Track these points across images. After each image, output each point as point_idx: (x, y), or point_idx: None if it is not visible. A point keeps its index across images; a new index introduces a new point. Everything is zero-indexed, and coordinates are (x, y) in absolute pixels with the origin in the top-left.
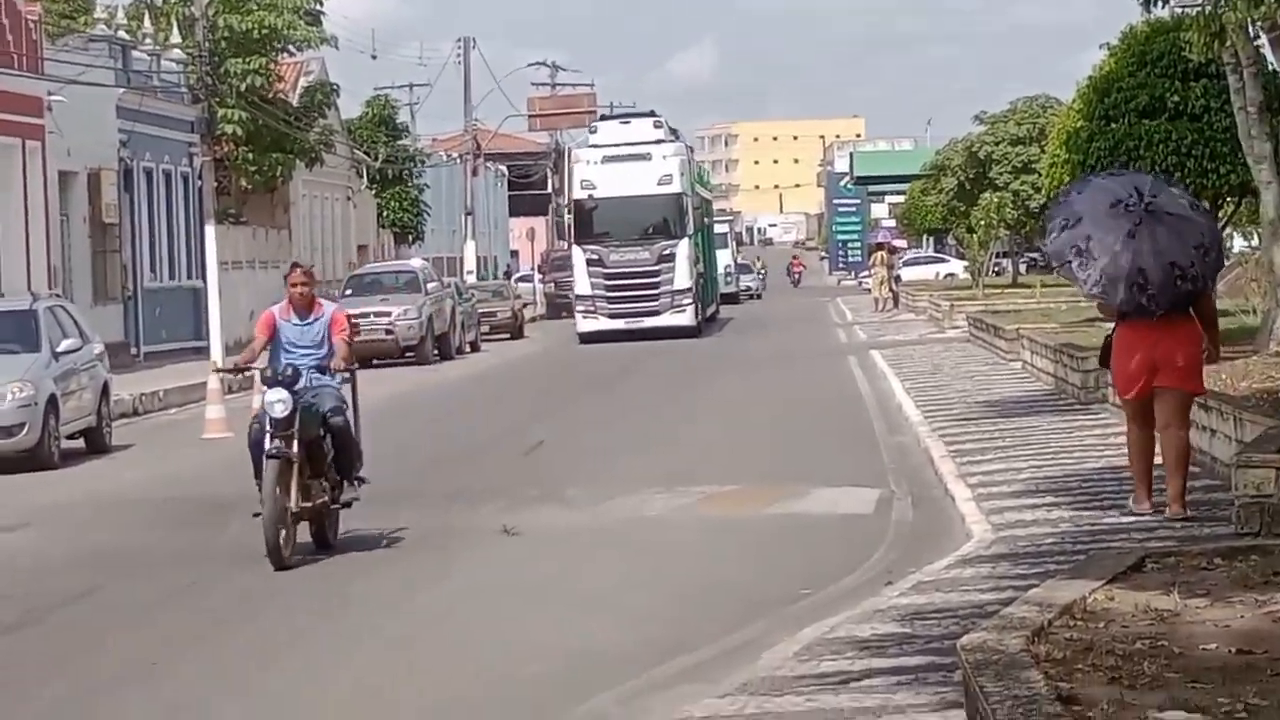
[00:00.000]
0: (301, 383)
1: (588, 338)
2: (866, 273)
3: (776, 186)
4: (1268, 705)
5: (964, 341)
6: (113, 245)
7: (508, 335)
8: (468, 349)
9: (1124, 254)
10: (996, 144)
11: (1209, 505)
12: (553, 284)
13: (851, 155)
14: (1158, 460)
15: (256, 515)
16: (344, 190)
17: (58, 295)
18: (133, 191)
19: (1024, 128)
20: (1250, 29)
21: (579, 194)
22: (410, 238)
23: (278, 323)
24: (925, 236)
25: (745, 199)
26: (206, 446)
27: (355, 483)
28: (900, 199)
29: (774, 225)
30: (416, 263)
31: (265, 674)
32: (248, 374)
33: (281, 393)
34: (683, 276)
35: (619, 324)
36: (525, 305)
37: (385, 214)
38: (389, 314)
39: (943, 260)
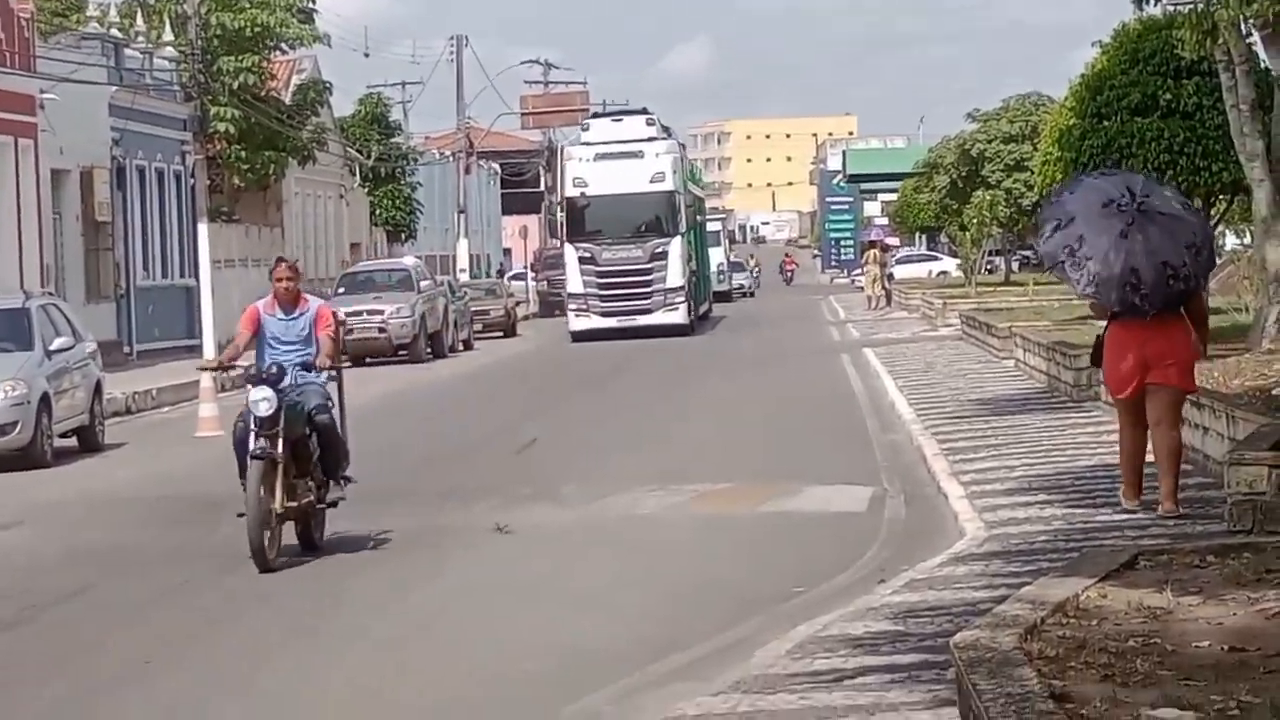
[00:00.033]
0: (286, 381)
1: (580, 336)
2: (859, 271)
3: (769, 184)
4: (1260, 703)
5: (957, 339)
6: (105, 243)
7: (501, 333)
8: (461, 347)
9: (1117, 254)
10: (989, 142)
11: (1202, 503)
12: (546, 282)
13: (844, 153)
14: (1149, 458)
15: (241, 515)
16: (337, 188)
17: (50, 293)
18: (125, 189)
19: (1016, 125)
20: (1242, 26)
21: (571, 192)
22: (403, 236)
23: (262, 318)
24: (918, 234)
25: (738, 197)
26: (199, 445)
27: (341, 482)
28: (893, 197)
29: (767, 223)
30: (409, 261)
31: (260, 673)
32: (232, 372)
33: (266, 391)
34: (675, 274)
35: (611, 322)
36: (518, 303)
37: (378, 212)
38: (382, 312)
39: (935, 258)
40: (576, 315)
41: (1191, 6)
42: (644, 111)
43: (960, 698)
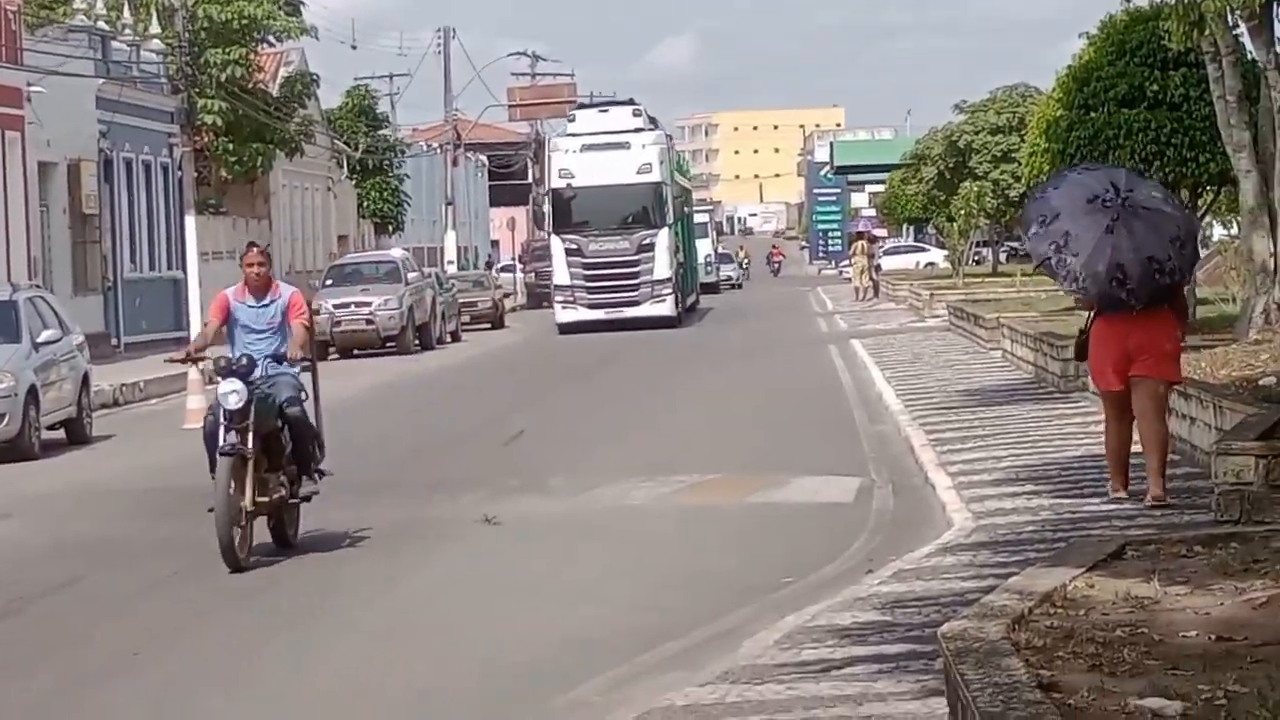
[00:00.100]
0: (257, 372)
1: (567, 328)
2: (847, 262)
3: (757, 176)
4: (1247, 692)
5: (944, 330)
6: (93, 236)
7: (488, 325)
8: (448, 339)
9: (1102, 250)
10: (976, 133)
11: (1189, 493)
12: (533, 274)
13: (832, 145)
14: (1136, 449)
15: (211, 510)
16: (324, 180)
17: (37, 286)
18: (113, 182)
19: (1004, 117)
20: (1229, 17)
21: (557, 183)
22: (390, 228)
23: (232, 305)
24: (905, 226)
25: (725, 188)
26: (187, 437)
27: (315, 476)
28: (880, 188)
29: (754, 215)
30: (397, 253)
31: (248, 665)
32: (200, 363)
33: (235, 383)
34: (662, 266)
35: (598, 314)
36: (506, 295)
37: (365, 204)
38: (369, 304)
39: (923, 249)
40: (563, 307)
41: None
42: (631, 102)
43: (948, 687)
